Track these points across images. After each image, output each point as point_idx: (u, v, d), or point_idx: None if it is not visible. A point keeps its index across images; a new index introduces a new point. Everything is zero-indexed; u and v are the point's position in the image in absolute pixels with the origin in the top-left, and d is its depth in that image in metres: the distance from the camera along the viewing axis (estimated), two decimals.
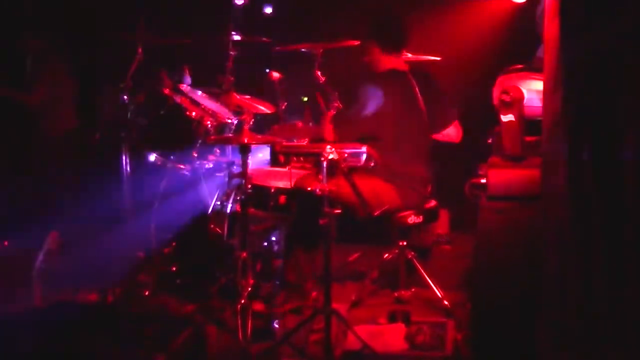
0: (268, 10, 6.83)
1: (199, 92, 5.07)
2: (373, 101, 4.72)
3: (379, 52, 4.89)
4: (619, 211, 2.53)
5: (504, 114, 3.87)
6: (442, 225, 6.21)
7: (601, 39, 2.55)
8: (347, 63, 5.41)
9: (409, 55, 5.30)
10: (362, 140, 4.47)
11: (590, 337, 2.63)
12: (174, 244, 4.91)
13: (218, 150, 5.14)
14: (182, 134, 4.92)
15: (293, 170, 4.50)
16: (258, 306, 4.36)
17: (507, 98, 3.84)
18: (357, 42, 5.11)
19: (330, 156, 3.89)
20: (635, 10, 2.47)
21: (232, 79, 5.19)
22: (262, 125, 5.25)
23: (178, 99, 4.93)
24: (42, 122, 6.61)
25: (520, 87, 3.90)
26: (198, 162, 5.02)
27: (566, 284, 2.70)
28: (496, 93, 4.08)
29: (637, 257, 2.49)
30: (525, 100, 3.86)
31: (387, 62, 4.90)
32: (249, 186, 4.30)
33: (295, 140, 4.79)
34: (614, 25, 2.52)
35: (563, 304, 2.72)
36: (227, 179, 5.00)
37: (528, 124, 3.93)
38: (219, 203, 4.92)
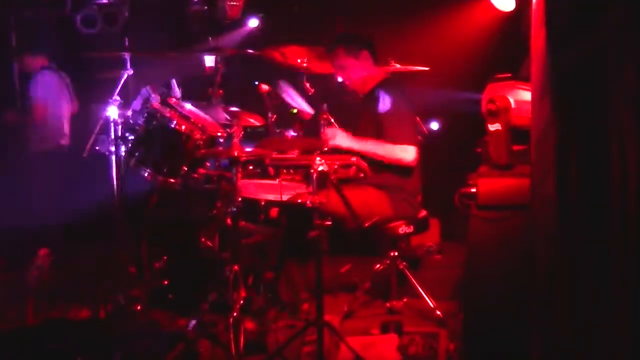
0: (253, 23, 6.85)
1: (188, 106, 5.07)
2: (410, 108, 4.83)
3: (371, 63, 4.91)
4: (607, 218, 2.53)
5: (491, 123, 3.88)
6: (433, 235, 6.21)
7: (587, 48, 2.56)
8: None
9: (397, 65, 5.31)
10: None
11: (580, 345, 2.63)
12: (165, 258, 4.90)
13: (208, 164, 5.13)
14: (171, 148, 4.91)
15: (283, 183, 4.50)
16: (250, 321, 4.36)
17: (493, 107, 3.85)
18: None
19: (320, 168, 3.90)
20: (619, 19, 2.48)
21: (221, 91, 5.19)
22: (252, 138, 5.25)
23: (167, 112, 4.92)
24: (35, 136, 6.63)
25: (508, 96, 3.91)
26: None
27: (555, 292, 2.70)
28: (484, 102, 4.08)
29: (625, 264, 2.50)
30: (513, 109, 3.87)
31: (379, 72, 4.92)
32: (239, 199, 4.31)
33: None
34: (599, 35, 2.53)
35: (552, 313, 2.72)
36: None
37: (518, 132, 3.93)
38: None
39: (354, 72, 4.93)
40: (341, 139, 4.73)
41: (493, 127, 3.88)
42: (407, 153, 4.70)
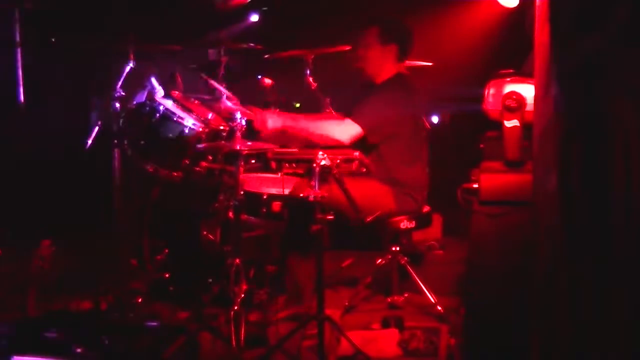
0: (254, 18, 6.83)
1: (191, 99, 5.07)
2: (399, 102, 4.77)
3: (394, 58, 4.89)
4: (609, 217, 2.53)
5: (507, 120, 3.85)
6: (435, 230, 6.21)
7: (591, 45, 2.56)
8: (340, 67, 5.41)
9: None
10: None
11: (580, 345, 2.63)
12: (166, 250, 4.90)
13: (210, 157, 5.12)
14: (173, 141, 4.91)
15: (285, 177, 4.50)
16: (253, 314, 4.36)
17: (512, 103, 3.83)
18: (348, 47, 5.12)
19: (323, 162, 3.89)
20: (625, 16, 2.48)
21: (224, 85, 5.18)
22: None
23: (169, 105, 4.92)
24: None
25: (522, 92, 3.89)
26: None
27: (555, 291, 2.70)
28: (489, 98, 4.07)
29: (625, 263, 2.50)
30: (528, 105, 3.85)
31: (397, 67, 4.91)
32: (242, 192, 4.32)
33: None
34: (602, 32, 2.53)
35: (552, 312, 2.72)
36: None
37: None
38: None
39: (373, 56, 4.90)
40: (271, 121, 4.71)
41: (510, 123, 3.85)
42: (342, 130, 4.67)
